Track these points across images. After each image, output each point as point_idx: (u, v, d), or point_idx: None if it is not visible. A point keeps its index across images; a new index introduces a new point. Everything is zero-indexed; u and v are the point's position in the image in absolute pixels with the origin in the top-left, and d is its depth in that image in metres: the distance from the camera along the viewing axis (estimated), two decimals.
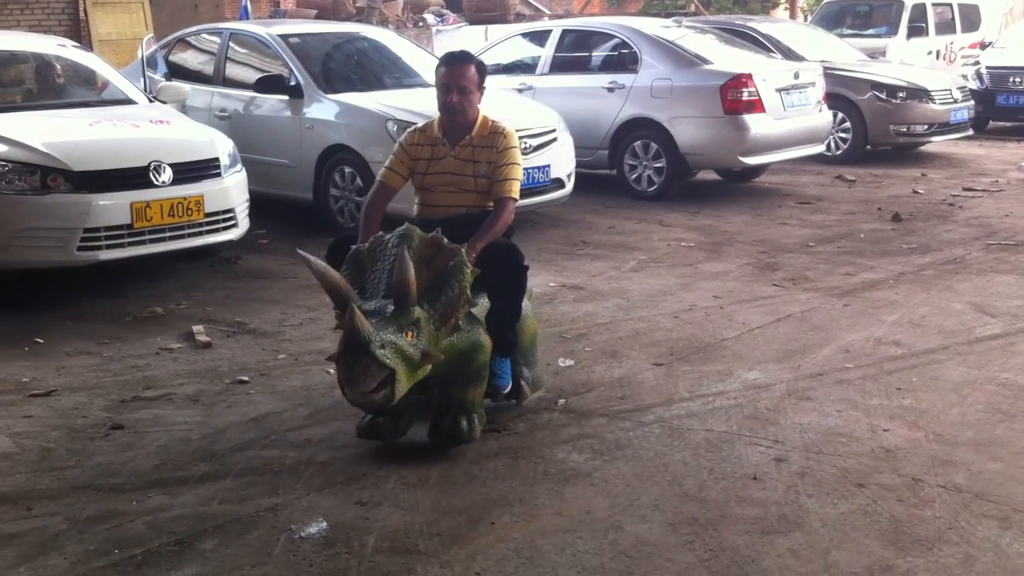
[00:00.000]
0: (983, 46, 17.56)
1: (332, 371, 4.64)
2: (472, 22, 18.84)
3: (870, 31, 17.05)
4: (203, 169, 7.02)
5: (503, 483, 4.08)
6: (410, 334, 3.88)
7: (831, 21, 16.99)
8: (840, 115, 12.28)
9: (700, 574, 3.40)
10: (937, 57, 17.25)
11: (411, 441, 4.42)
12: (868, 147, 12.69)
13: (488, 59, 11.66)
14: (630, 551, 3.55)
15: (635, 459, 4.29)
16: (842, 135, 12.51)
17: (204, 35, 10.32)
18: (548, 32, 11.46)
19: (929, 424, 4.61)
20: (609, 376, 5.29)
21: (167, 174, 6.72)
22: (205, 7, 16.00)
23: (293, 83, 8.89)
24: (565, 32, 11.34)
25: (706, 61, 10.35)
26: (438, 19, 19.76)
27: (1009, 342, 5.75)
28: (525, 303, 4.73)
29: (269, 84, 9.00)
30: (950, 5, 17.76)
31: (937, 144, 13.35)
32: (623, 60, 10.66)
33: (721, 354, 5.60)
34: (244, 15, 17.36)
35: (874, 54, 14.85)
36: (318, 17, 17.07)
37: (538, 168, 8.63)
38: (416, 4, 20.65)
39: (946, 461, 4.22)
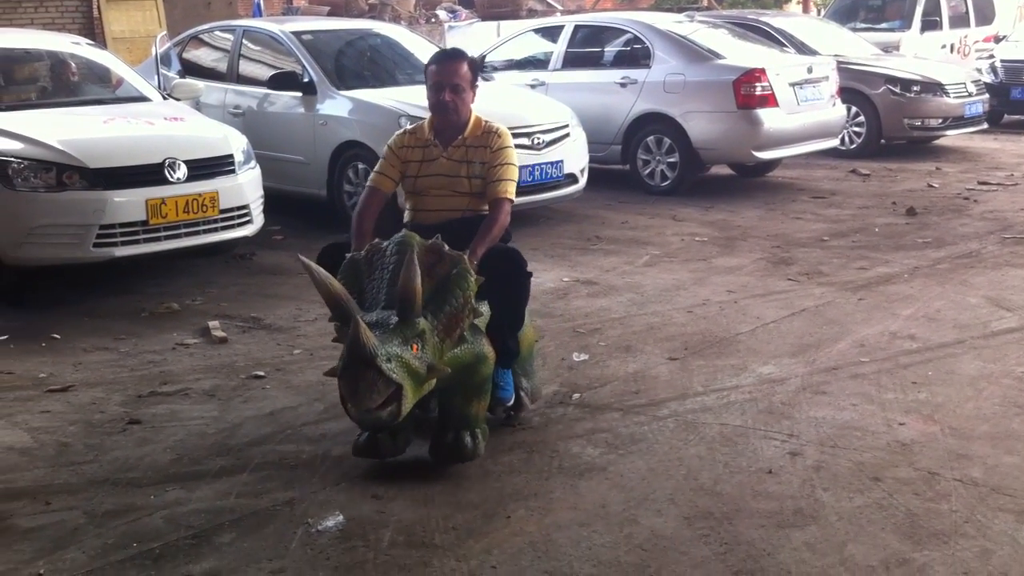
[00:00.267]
0: (997, 39, 17.50)
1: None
2: (484, 18, 18.84)
3: (883, 25, 17.00)
4: (217, 166, 7.04)
5: (518, 477, 4.09)
6: (415, 347, 3.68)
7: (844, 15, 16.95)
8: (854, 109, 12.24)
9: (716, 568, 3.40)
10: (951, 51, 17.18)
11: (412, 457, 4.23)
12: (882, 141, 12.66)
13: (500, 55, 11.75)
14: (645, 544, 3.55)
15: (650, 453, 4.29)
16: (856, 129, 12.48)
17: (217, 32, 10.36)
18: (560, 28, 11.46)
19: (945, 418, 4.60)
20: (623, 371, 5.29)
21: (182, 171, 6.74)
22: (218, 4, 16.04)
23: (306, 80, 8.91)
24: (577, 27, 11.33)
25: (719, 56, 10.33)
26: (450, 15, 19.77)
27: None
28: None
29: (282, 81, 9.02)
30: None
31: (952, 138, 13.31)
32: (636, 55, 10.65)
33: (735, 348, 5.60)
34: (257, 12, 17.41)
35: (888, 48, 14.81)
36: (331, 14, 17.08)
37: (551, 163, 8.64)
38: (428, 0, 20.67)
39: (962, 455, 4.22)
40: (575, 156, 8.96)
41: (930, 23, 16.74)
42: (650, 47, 10.46)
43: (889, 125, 12.44)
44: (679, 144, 10.15)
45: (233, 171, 7.10)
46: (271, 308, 6.45)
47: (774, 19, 13.38)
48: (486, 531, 3.65)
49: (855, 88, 12.19)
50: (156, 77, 8.80)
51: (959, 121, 12.75)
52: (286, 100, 9.08)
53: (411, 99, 8.35)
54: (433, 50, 10.01)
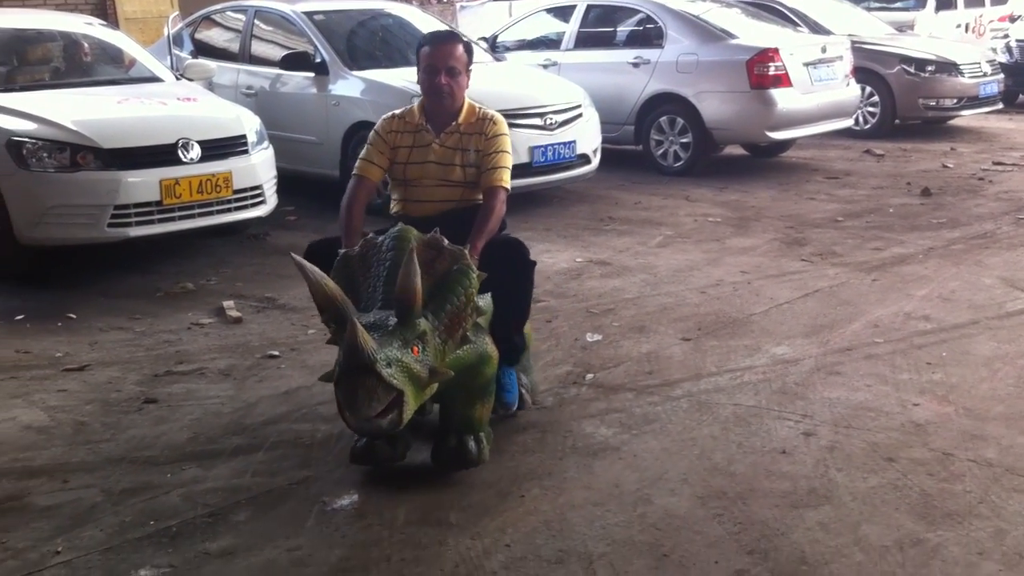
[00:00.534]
0: (1012, 19, 17.38)
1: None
2: None
3: (898, 4, 16.91)
4: (231, 146, 7.05)
5: (532, 457, 4.10)
6: (416, 349, 3.40)
7: None
8: (868, 89, 12.19)
9: (729, 547, 3.41)
10: (966, 30, 17.08)
11: (411, 464, 4.05)
12: (896, 121, 12.59)
13: (512, 35, 11.72)
14: (659, 524, 3.56)
15: (663, 433, 4.30)
16: (870, 109, 12.42)
17: (229, 13, 10.35)
18: (573, 7, 11.40)
19: (959, 398, 4.60)
20: (637, 351, 5.30)
21: (195, 151, 6.75)
22: None
23: (318, 60, 8.91)
24: (590, 7, 11.27)
25: (732, 36, 10.29)
26: None
27: None
28: None
29: (294, 61, 9.02)
30: None
31: (966, 118, 13.24)
32: (648, 35, 10.61)
33: (749, 329, 5.60)
34: None
35: (902, 27, 14.73)
36: None
37: (564, 144, 8.63)
38: None
39: (976, 435, 4.21)
40: (588, 136, 8.94)
41: (945, 2, 16.65)
42: (663, 27, 10.43)
43: (903, 105, 12.38)
44: (692, 124, 10.12)
45: (246, 151, 7.11)
46: (285, 288, 6.46)
47: None
48: (500, 510, 3.66)
49: (869, 68, 12.12)
50: (169, 58, 8.80)
51: (974, 101, 12.68)
52: (298, 80, 9.08)
53: None
54: (445, 30, 10.02)
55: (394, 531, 3.54)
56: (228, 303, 6.14)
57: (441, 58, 4.29)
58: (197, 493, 3.84)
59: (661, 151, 10.37)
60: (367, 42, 9.71)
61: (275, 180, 7.42)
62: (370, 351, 3.23)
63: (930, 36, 14.79)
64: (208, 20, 10.46)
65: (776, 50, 9.97)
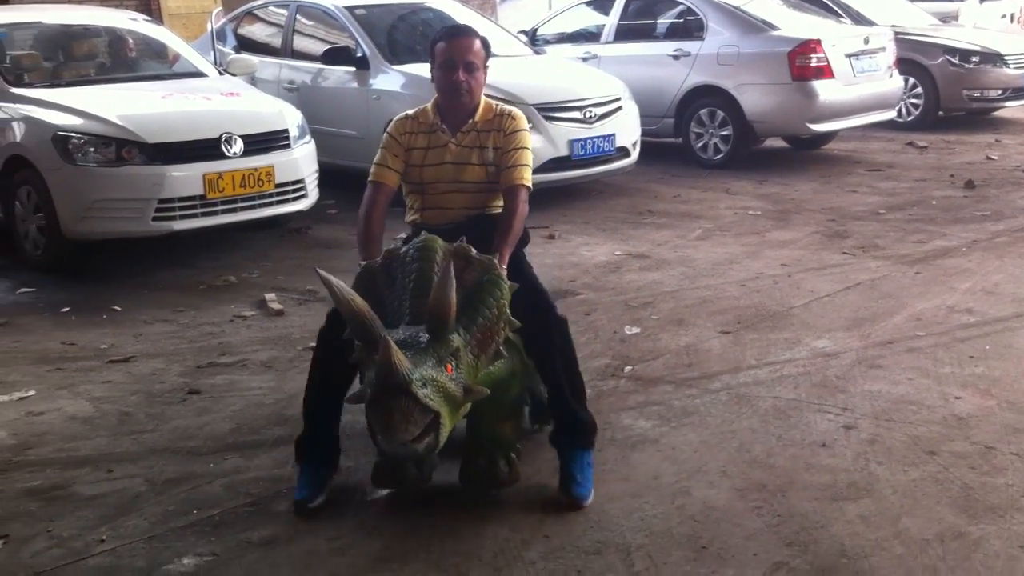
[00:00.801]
0: None
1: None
2: None
3: None
4: (273, 140, 7.12)
5: None
6: (449, 367, 3.19)
7: None
8: (911, 80, 12.07)
9: (768, 539, 3.41)
10: (1011, 20, 16.85)
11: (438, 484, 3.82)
12: (940, 113, 12.47)
13: (552, 28, 11.71)
14: (697, 516, 3.56)
15: (702, 426, 4.30)
16: (913, 101, 12.30)
17: (272, 8, 10.41)
18: (612, 0, 11.39)
19: (1002, 392, 4.55)
20: (675, 344, 5.29)
21: (238, 146, 6.82)
22: None
23: (359, 54, 8.96)
24: (629, 0, 11.25)
25: (773, 27, 10.23)
26: None
27: None
28: None
29: (336, 56, 9.08)
30: None
31: (1011, 109, 13.07)
32: (689, 27, 10.57)
33: (789, 322, 5.57)
34: None
35: (946, 18, 14.58)
36: None
37: (603, 137, 8.63)
38: None
39: (1019, 429, 4.17)
40: (627, 129, 8.93)
41: None
42: (703, 18, 10.38)
43: (947, 96, 12.25)
44: (732, 117, 10.08)
45: (288, 146, 7.17)
46: None
47: None
48: (539, 501, 3.68)
49: (913, 59, 12.00)
50: (212, 53, 8.89)
51: (1019, 92, 12.50)
52: (339, 75, 9.13)
53: None
54: (485, 24, 10.04)
55: (433, 522, 3.56)
56: (270, 296, 6.20)
57: (459, 53, 3.98)
58: (239, 483, 3.89)
59: (701, 144, 10.33)
60: (408, 36, 9.74)
61: (316, 174, 7.48)
62: (405, 371, 3.02)
63: (974, 26, 14.63)
64: (251, 15, 10.55)
65: (818, 41, 9.90)
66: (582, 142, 8.48)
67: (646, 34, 11.03)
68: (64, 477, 3.97)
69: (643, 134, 9.34)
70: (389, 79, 8.73)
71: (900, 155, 10.86)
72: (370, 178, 4.06)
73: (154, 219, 6.54)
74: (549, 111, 8.43)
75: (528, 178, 4.00)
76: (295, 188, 7.17)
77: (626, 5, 11.15)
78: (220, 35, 9.71)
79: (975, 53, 12.26)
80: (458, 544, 3.42)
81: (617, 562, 3.29)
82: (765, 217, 8.13)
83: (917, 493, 3.68)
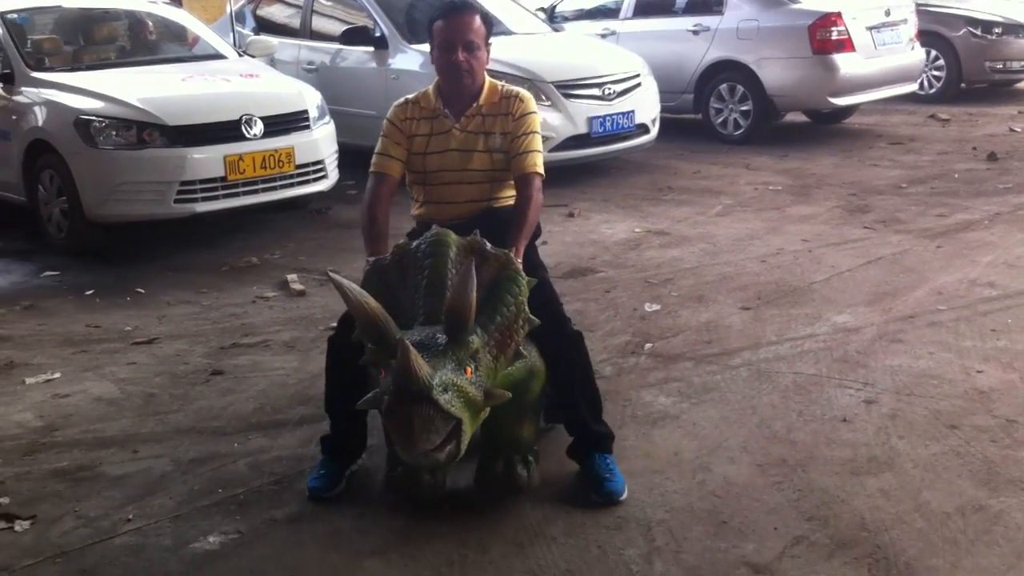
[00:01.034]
0: None
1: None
2: None
3: None
4: (293, 122, 7.14)
5: None
6: (468, 370, 3.02)
7: None
8: (933, 52, 11.99)
9: (789, 514, 3.42)
10: None
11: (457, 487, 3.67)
12: (962, 85, 12.39)
13: (571, 5, 11.67)
14: (718, 491, 3.58)
15: (722, 402, 4.31)
16: (935, 73, 12.22)
17: None
18: None
19: None
20: (696, 320, 5.30)
21: (258, 127, 6.85)
22: None
23: (378, 34, 8.97)
24: None
25: (793, 0, 10.15)
26: None
27: None
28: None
29: (354, 36, 9.09)
30: None
31: None
32: (708, 2, 10.52)
33: (810, 297, 5.57)
34: None
35: None
36: None
37: (622, 114, 8.62)
38: None
39: None
40: (647, 106, 8.92)
41: None
42: None
43: (970, 68, 12.16)
44: (753, 92, 10.04)
45: (308, 127, 7.20)
46: (347, 261, 6.53)
47: None
48: (560, 477, 3.70)
49: (934, 31, 11.91)
50: (231, 35, 8.92)
51: None
52: (358, 55, 9.14)
53: None
54: (503, 2, 10.01)
55: (455, 499, 3.58)
56: (292, 276, 6.24)
57: (457, 31, 3.72)
58: (264, 462, 3.93)
59: (721, 119, 10.30)
60: (426, 15, 9.65)
61: (336, 155, 7.50)
62: (425, 376, 2.84)
63: None
64: None
65: (839, 14, 9.83)
66: (601, 119, 8.47)
67: (665, 9, 10.97)
68: (90, 458, 4.02)
69: (662, 110, 9.31)
70: (408, 58, 8.73)
71: (922, 128, 10.79)
72: (372, 168, 3.82)
73: (176, 201, 6.58)
74: (568, 88, 8.42)
75: (541, 165, 3.77)
76: (315, 169, 7.20)
77: None
78: (239, 17, 9.73)
79: (997, 24, 12.15)
80: (480, 520, 3.45)
81: (638, 537, 3.31)
82: (786, 192, 8.11)
83: (938, 467, 3.69)
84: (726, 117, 10.27)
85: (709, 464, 3.78)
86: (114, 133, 6.57)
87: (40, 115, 6.91)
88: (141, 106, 6.67)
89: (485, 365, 3.12)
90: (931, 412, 4.12)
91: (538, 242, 3.97)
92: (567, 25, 10.98)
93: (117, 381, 4.79)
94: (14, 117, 7.08)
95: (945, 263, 6.06)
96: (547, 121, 7.82)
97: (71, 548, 3.38)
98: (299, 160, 7.03)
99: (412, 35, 8.94)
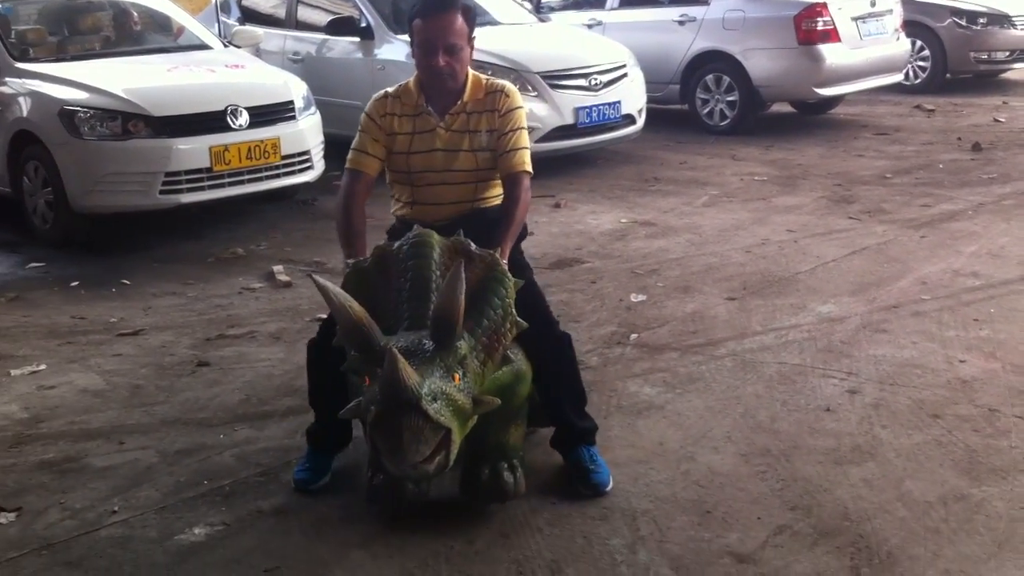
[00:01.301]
0: None
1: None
2: None
3: None
4: (278, 112, 7.13)
5: None
6: (457, 376, 2.93)
7: None
8: (919, 43, 12.02)
9: (772, 503, 3.44)
10: None
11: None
12: (948, 75, 12.41)
13: None
14: (702, 481, 3.60)
15: (707, 392, 4.33)
16: (921, 63, 12.25)
17: None
18: None
19: (1007, 355, 4.57)
20: (681, 311, 5.31)
21: (244, 118, 6.83)
22: None
23: (364, 24, 8.95)
24: None
25: None
26: None
27: None
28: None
29: (340, 26, 9.07)
30: None
31: (1019, 71, 13.03)
32: None
33: (795, 288, 5.59)
34: None
35: None
36: None
37: (609, 104, 8.62)
38: None
39: (1023, 391, 4.19)
40: (633, 96, 8.92)
41: None
42: None
43: (955, 59, 12.19)
44: (739, 82, 10.05)
45: (294, 117, 7.18)
46: (333, 252, 6.50)
47: None
48: (545, 468, 3.71)
49: (919, 21, 11.94)
50: (216, 25, 8.89)
51: None
52: (344, 45, 9.13)
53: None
54: None
55: (441, 491, 3.59)
56: (278, 268, 6.23)
57: (437, 34, 3.54)
58: (250, 453, 3.94)
59: (707, 110, 10.31)
60: (412, 5, 9.69)
61: (323, 145, 7.49)
62: (414, 385, 2.75)
63: None
64: None
65: (824, 4, 9.84)
66: (587, 110, 8.48)
67: (651, 0, 10.97)
68: (76, 449, 4.02)
69: (649, 101, 9.32)
70: (394, 49, 8.72)
71: (907, 118, 10.82)
72: (347, 165, 3.69)
73: (161, 192, 6.57)
74: (554, 79, 8.43)
75: (529, 163, 3.64)
76: (301, 160, 7.19)
77: None
78: (224, 7, 9.70)
79: (982, 15, 12.18)
80: (466, 511, 3.45)
81: (623, 527, 3.33)
82: (771, 183, 8.13)
83: (920, 456, 3.71)
84: (712, 108, 10.28)
85: (693, 454, 3.80)
86: (99, 124, 6.54)
87: (25, 106, 6.88)
88: (126, 97, 6.65)
89: (473, 371, 3.03)
90: (914, 402, 4.14)
91: (526, 224, 3.88)
92: (553, 15, 10.97)
93: (103, 373, 4.78)
94: None
95: (929, 253, 6.10)
96: (533, 112, 7.83)
97: (57, 540, 3.38)
98: (285, 151, 7.02)
99: (398, 25, 8.90)
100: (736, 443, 3.87)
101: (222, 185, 6.77)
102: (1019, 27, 12.26)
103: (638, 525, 3.34)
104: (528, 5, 10.67)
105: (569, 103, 8.39)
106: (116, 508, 3.56)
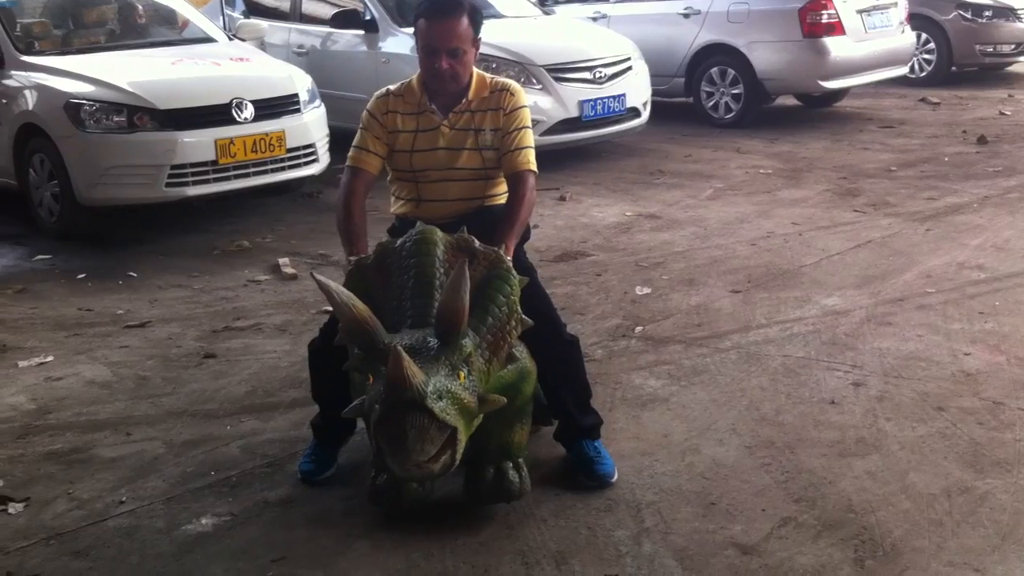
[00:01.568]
0: None
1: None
2: None
3: None
4: (283, 105, 7.14)
5: None
6: (462, 374, 2.91)
7: None
8: (924, 36, 12.00)
9: (776, 495, 3.45)
10: None
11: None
12: (953, 68, 12.40)
13: None
14: (707, 473, 3.61)
15: (712, 384, 4.34)
16: (926, 56, 12.23)
17: None
18: None
19: (1011, 348, 4.58)
20: (686, 303, 5.32)
21: (249, 111, 6.84)
22: None
23: (368, 17, 8.95)
24: None
25: None
26: None
27: None
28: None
29: (344, 19, 9.09)
30: None
31: None
32: None
33: (799, 280, 5.59)
34: None
35: None
36: None
37: (613, 97, 8.62)
38: None
39: None
40: (637, 90, 8.92)
41: None
42: None
43: (960, 52, 12.17)
44: (743, 75, 10.05)
45: (299, 110, 7.19)
46: (338, 246, 6.36)
47: None
48: (549, 460, 3.72)
49: (925, 14, 11.92)
50: (221, 18, 8.89)
51: None
52: (349, 38, 9.13)
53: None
54: None
55: (443, 483, 3.58)
56: (283, 260, 6.25)
57: (441, 39, 3.51)
58: (256, 444, 3.95)
59: (712, 103, 10.31)
60: (418, 2, 9.70)
61: (327, 138, 7.49)
62: (419, 384, 2.72)
63: None
64: None
65: None
66: (592, 103, 8.48)
67: None
68: (84, 440, 4.04)
69: (654, 94, 9.32)
70: (398, 42, 8.72)
71: (912, 111, 10.81)
72: (348, 162, 3.68)
73: (167, 185, 6.58)
74: (559, 72, 8.43)
75: (534, 162, 3.62)
76: (306, 153, 7.20)
77: None
78: (229, 0, 9.69)
79: (988, 7, 12.17)
80: (470, 503, 3.47)
81: (627, 519, 3.34)
82: (776, 176, 8.13)
83: (925, 449, 3.72)
84: (717, 101, 10.27)
85: (698, 446, 3.81)
86: (104, 117, 6.56)
87: (30, 99, 6.89)
88: (131, 90, 6.66)
89: (478, 369, 3.01)
90: (918, 394, 4.15)
91: (530, 225, 3.89)
92: (558, 8, 10.98)
93: (110, 364, 4.80)
94: (4, 101, 7.06)
95: (934, 246, 6.10)
96: (538, 104, 7.84)
97: (64, 530, 3.40)
98: (290, 144, 7.03)
99: (402, 18, 8.92)
100: (741, 435, 3.88)
101: (227, 178, 6.78)
102: None
103: (643, 517, 3.35)
104: None
105: (574, 96, 8.39)
106: (123, 498, 3.58)
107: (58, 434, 4.10)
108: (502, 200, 3.70)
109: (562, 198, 7.57)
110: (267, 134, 6.88)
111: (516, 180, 3.58)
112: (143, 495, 3.61)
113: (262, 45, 8.94)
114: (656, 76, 9.51)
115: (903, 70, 11.02)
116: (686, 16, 10.34)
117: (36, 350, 4.98)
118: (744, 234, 6.53)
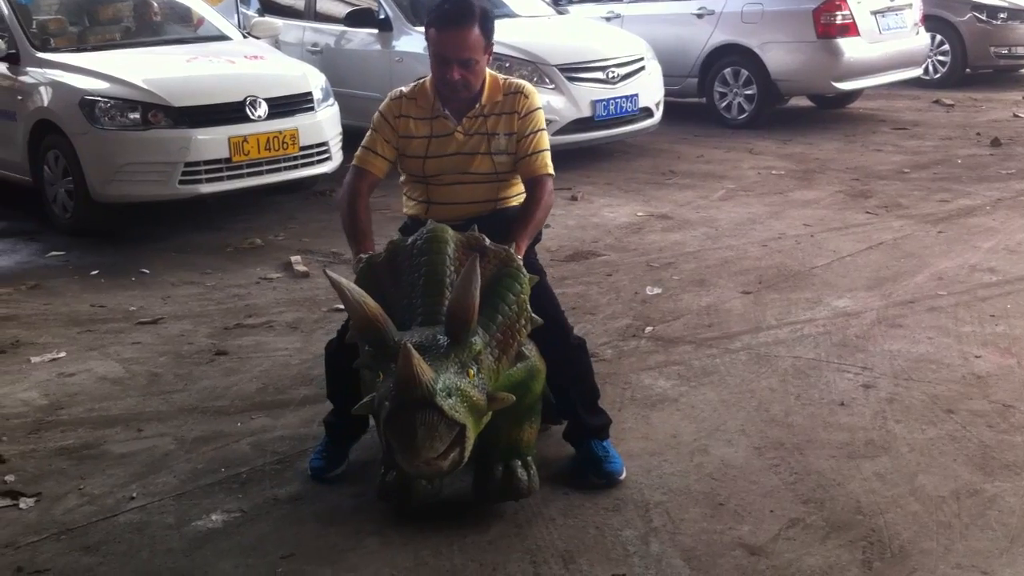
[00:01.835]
0: None
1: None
2: None
3: None
4: (297, 103, 7.16)
5: None
6: (471, 372, 2.93)
7: None
8: (938, 37, 11.96)
9: (785, 496, 3.45)
10: None
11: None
12: (967, 70, 12.36)
13: None
14: (715, 474, 3.61)
15: (721, 385, 4.34)
16: (940, 58, 12.20)
17: None
18: None
19: (1022, 350, 4.57)
20: (696, 304, 5.32)
21: (262, 109, 6.87)
22: None
23: (382, 16, 8.98)
24: None
25: None
26: None
27: None
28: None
29: (359, 18, 9.11)
30: None
31: None
32: None
33: (810, 282, 5.59)
34: None
35: None
36: None
37: (626, 97, 8.62)
38: None
39: None
40: (650, 90, 8.92)
41: None
42: None
43: (975, 53, 12.13)
44: (757, 76, 10.03)
45: (312, 108, 7.21)
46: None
47: None
48: (558, 459, 3.73)
49: (939, 15, 11.88)
50: (236, 16, 8.92)
51: None
52: (362, 37, 9.16)
53: None
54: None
55: (454, 481, 3.60)
56: (295, 258, 6.27)
57: (452, 49, 3.45)
58: (266, 441, 3.97)
59: (725, 103, 10.29)
60: (431, 8, 9.71)
61: (340, 137, 7.51)
62: (428, 381, 2.73)
63: None
64: None
65: None
66: (605, 103, 8.48)
67: None
68: (95, 436, 4.06)
69: (666, 94, 9.32)
70: (412, 41, 8.73)
71: (926, 113, 10.78)
72: (355, 162, 3.66)
73: (181, 182, 6.61)
74: (572, 71, 8.43)
75: (551, 165, 3.62)
76: (319, 151, 7.22)
77: None
78: None
79: (1003, 9, 12.13)
80: (479, 502, 3.48)
81: (636, 518, 3.35)
82: (789, 177, 8.12)
83: (934, 451, 3.72)
84: (730, 101, 10.26)
85: (707, 447, 3.81)
86: (119, 114, 6.59)
87: (45, 95, 6.93)
88: (146, 87, 6.69)
89: (487, 367, 3.02)
90: (928, 397, 4.15)
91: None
92: (571, 8, 10.98)
93: (122, 360, 4.83)
94: (19, 97, 7.10)
95: (946, 248, 6.09)
96: (551, 104, 7.85)
97: (75, 525, 3.42)
98: (303, 142, 7.05)
99: (416, 17, 8.93)
100: (750, 436, 3.88)
101: (241, 176, 6.81)
102: None
103: (651, 516, 3.36)
104: None
105: (586, 96, 8.40)
106: (134, 494, 3.60)
107: (70, 430, 4.12)
108: (515, 202, 3.69)
109: (574, 198, 7.58)
110: (280, 132, 6.91)
111: (534, 184, 3.57)
112: (154, 491, 3.63)
113: (276, 43, 8.97)
114: (669, 76, 9.51)
115: (917, 72, 10.99)
116: (700, 16, 10.33)
117: (49, 346, 5.01)
118: (755, 235, 6.52)
